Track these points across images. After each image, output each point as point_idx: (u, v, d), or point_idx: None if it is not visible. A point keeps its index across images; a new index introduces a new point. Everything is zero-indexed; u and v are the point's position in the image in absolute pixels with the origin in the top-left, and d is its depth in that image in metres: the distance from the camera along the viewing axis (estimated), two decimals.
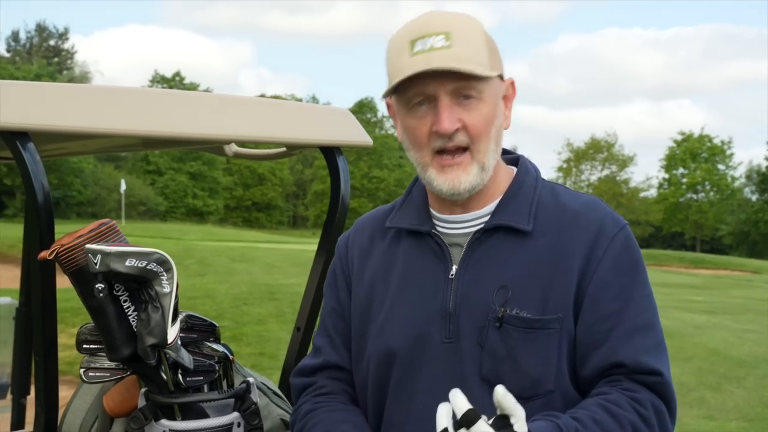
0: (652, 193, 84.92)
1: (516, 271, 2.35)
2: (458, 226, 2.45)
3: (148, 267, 2.56)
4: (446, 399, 2.04)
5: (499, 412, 2.03)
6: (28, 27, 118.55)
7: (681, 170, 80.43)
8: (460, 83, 2.28)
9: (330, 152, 3.65)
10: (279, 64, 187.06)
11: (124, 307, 2.63)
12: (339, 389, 2.55)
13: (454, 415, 2.00)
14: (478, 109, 2.32)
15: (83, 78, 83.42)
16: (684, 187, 79.73)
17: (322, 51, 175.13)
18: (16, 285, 5.00)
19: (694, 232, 79.76)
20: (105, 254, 2.53)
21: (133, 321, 2.63)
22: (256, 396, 2.95)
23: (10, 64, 70.31)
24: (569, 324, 2.33)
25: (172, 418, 2.78)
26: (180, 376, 2.76)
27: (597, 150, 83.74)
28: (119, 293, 2.62)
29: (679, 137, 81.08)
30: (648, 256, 57.75)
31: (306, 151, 3.94)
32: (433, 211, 2.48)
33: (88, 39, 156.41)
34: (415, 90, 2.31)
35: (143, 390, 2.80)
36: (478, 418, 1.96)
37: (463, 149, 2.33)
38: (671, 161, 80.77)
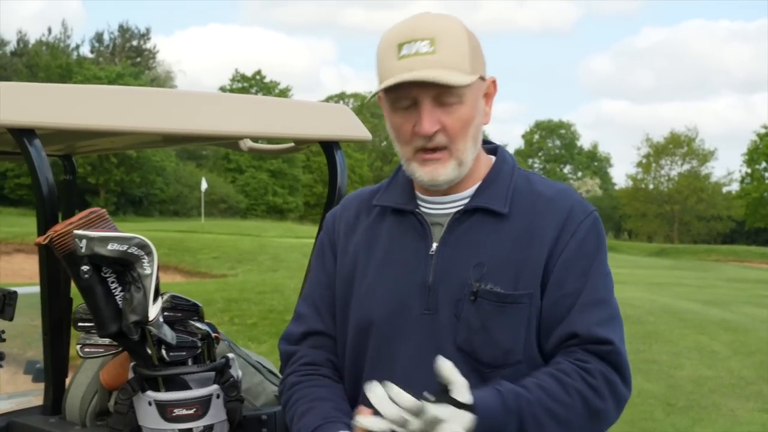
0: (735, 187, 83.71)
1: (492, 250, 2.55)
2: (440, 207, 2.64)
3: (129, 250, 2.79)
4: (425, 367, 2.29)
5: (441, 383, 2.25)
6: (111, 28, 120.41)
7: (764, 164, 79.00)
8: (442, 89, 2.48)
9: (329, 146, 3.88)
10: (360, 61, 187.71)
11: (112, 287, 2.85)
12: (322, 359, 2.72)
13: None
14: (457, 113, 2.51)
15: (166, 78, 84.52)
16: (767, 181, 78.31)
17: None
18: None
19: None
20: (89, 239, 2.77)
21: (119, 300, 2.86)
22: (236, 370, 3.17)
23: (93, 64, 71.54)
24: (537, 300, 2.54)
25: (157, 389, 3.01)
26: (164, 351, 2.98)
27: (677, 145, 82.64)
28: (107, 275, 2.85)
29: (763, 131, 79.70)
30: (729, 251, 56.94)
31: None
32: (417, 193, 2.69)
33: (170, 39, 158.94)
34: (400, 94, 2.51)
35: (132, 364, 3.05)
36: (422, 406, 2.20)
37: (442, 148, 2.53)
38: (753, 155, 79.36)
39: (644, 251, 58.22)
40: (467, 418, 2.25)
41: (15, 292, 4.37)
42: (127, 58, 79.34)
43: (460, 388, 2.26)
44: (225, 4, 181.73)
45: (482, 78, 2.59)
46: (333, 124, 3.86)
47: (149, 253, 2.82)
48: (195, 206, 62.06)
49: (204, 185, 48.53)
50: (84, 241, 2.77)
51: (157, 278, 2.85)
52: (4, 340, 4.63)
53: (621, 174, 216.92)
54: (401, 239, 2.66)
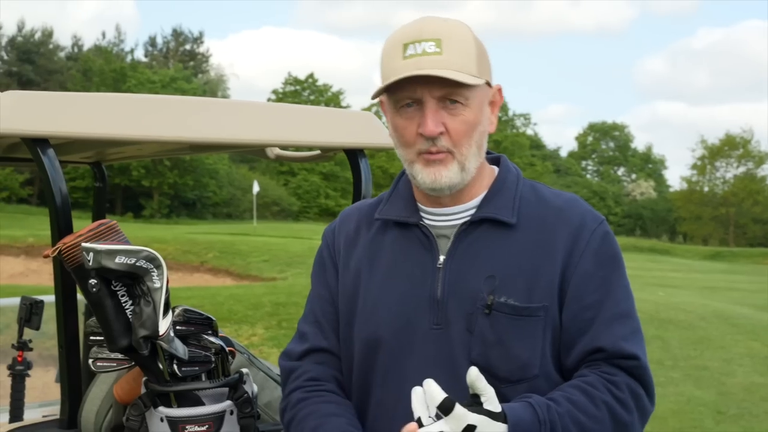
0: None
1: (502, 261, 2.48)
2: (444, 219, 2.57)
3: (137, 264, 2.73)
4: (438, 383, 2.19)
5: (471, 392, 2.21)
6: (164, 32, 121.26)
7: None
8: (448, 90, 2.41)
9: (353, 154, 3.80)
10: None
11: (122, 301, 2.80)
12: (327, 375, 2.64)
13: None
14: (462, 115, 2.44)
15: (219, 81, 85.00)
16: None
17: None
18: None
19: None
20: (97, 252, 2.72)
21: (129, 314, 2.80)
22: (251, 386, 3.11)
23: (147, 68, 72.18)
24: (553, 312, 2.47)
25: (169, 405, 2.95)
26: (175, 366, 2.92)
27: (732, 147, 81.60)
28: (117, 288, 2.80)
29: None
30: None
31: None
32: (419, 204, 2.61)
33: (223, 42, 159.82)
34: (404, 93, 2.44)
35: (144, 379, 2.99)
36: (454, 404, 2.14)
37: (445, 152, 2.46)
38: None
39: (699, 254, 57.65)
40: (501, 428, 2.20)
41: (41, 302, 4.36)
42: (180, 62, 79.94)
43: (491, 397, 2.22)
44: (278, 8, 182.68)
45: (488, 84, 2.53)
46: (358, 131, 3.78)
47: (158, 267, 2.77)
48: (248, 209, 62.30)
49: (256, 188, 48.65)
50: (91, 254, 2.72)
51: (167, 292, 2.79)
52: (31, 349, 4.64)
53: (676, 176, 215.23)
54: (406, 252, 2.58)
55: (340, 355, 2.66)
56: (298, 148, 4.20)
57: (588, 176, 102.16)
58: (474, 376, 2.19)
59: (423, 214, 2.60)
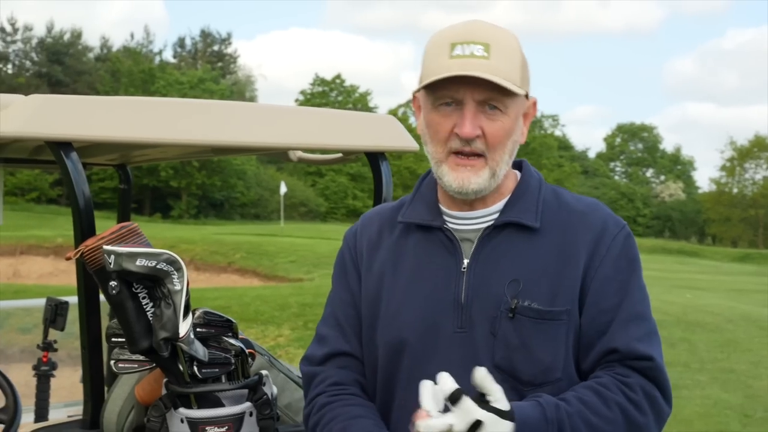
0: None
1: (526, 265, 2.49)
2: (468, 223, 2.58)
3: (157, 266, 2.76)
4: (462, 385, 2.20)
5: (478, 391, 2.22)
6: (192, 33, 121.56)
7: None
8: (490, 95, 2.42)
9: (374, 157, 3.82)
10: None
11: (143, 303, 2.82)
12: (350, 379, 2.65)
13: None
14: (500, 121, 2.45)
15: (247, 82, 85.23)
16: None
17: None
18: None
19: None
20: (118, 254, 2.74)
21: (150, 317, 2.83)
22: (270, 388, 3.13)
23: (176, 69, 72.46)
24: (575, 316, 2.48)
25: (189, 406, 2.98)
26: (195, 368, 2.94)
27: (762, 148, 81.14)
28: (138, 291, 2.82)
29: None
30: None
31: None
32: (442, 208, 2.62)
33: (251, 43, 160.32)
34: (446, 92, 2.44)
35: (165, 380, 3.01)
36: (462, 395, 2.16)
37: (479, 155, 2.47)
38: None
39: (728, 256, 57.35)
40: (508, 426, 2.21)
41: (66, 303, 4.39)
42: (208, 63, 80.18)
43: (499, 396, 2.22)
44: (306, 9, 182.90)
45: (526, 96, 2.53)
46: (379, 135, 3.80)
47: (179, 269, 2.79)
48: (275, 210, 62.42)
49: (283, 189, 48.70)
50: (113, 257, 2.75)
51: (188, 294, 2.81)
52: (56, 350, 4.67)
53: (705, 178, 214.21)
54: (429, 256, 2.59)
55: (363, 358, 2.67)
56: (321, 152, 4.22)
57: (616, 178, 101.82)
58: (481, 376, 2.21)
59: (446, 218, 2.60)
